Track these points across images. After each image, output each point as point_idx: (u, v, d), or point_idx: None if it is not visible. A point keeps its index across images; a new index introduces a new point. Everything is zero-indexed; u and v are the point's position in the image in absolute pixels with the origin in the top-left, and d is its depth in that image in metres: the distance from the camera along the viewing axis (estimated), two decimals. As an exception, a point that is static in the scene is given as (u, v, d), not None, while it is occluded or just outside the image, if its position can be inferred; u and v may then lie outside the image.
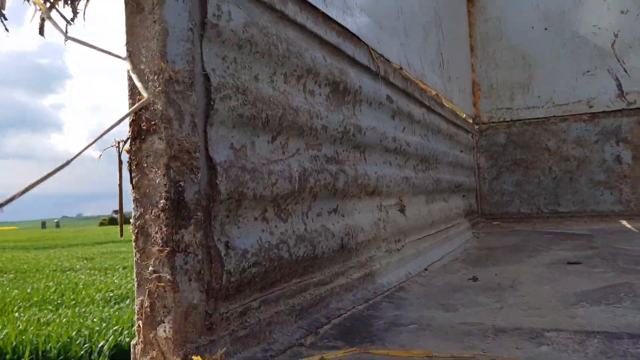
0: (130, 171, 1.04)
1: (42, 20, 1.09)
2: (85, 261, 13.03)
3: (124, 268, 11.29)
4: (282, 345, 1.28)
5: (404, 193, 2.56)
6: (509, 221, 5.06)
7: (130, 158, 1.04)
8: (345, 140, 1.90)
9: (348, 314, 1.63)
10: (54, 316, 5.19)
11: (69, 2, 1.09)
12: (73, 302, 6.08)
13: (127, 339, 4.13)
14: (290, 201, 1.49)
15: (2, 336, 4.27)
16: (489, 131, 5.28)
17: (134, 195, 1.04)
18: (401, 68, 2.72)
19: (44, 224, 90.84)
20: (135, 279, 1.05)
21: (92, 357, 3.93)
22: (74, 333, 4.30)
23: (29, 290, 6.93)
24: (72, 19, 1.14)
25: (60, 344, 4.07)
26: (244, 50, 1.31)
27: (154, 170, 1.02)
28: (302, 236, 1.51)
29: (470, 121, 5.24)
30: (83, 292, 6.66)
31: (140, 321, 1.03)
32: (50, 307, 5.80)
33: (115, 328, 4.43)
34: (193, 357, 0.99)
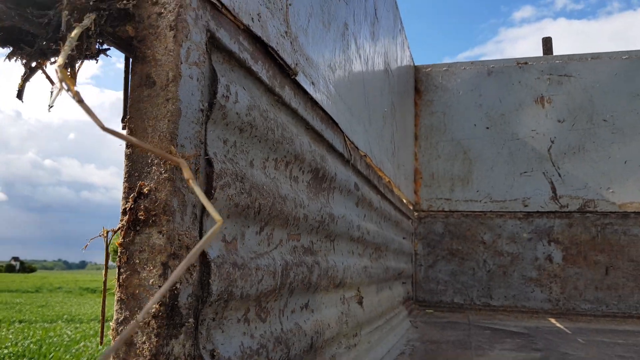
0: (119, 267, 0.88)
1: (23, 82, 0.95)
2: (-25, 310, 11.68)
3: (21, 322, 10.14)
4: None
5: (362, 283, 2.47)
6: (442, 310, 5.06)
7: (120, 251, 0.89)
8: (320, 230, 1.81)
9: None
10: None
11: (68, 66, 0.96)
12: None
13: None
14: (271, 299, 1.36)
15: None
16: (427, 219, 5.39)
17: (118, 295, 0.88)
18: (366, 155, 2.71)
19: None
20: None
21: None
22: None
23: None
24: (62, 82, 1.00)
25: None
26: (244, 134, 1.22)
27: (147, 268, 0.87)
28: (279, 338, 1.37)
29: (411, 207, 5.33)
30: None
31: None
32: None
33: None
34: None
